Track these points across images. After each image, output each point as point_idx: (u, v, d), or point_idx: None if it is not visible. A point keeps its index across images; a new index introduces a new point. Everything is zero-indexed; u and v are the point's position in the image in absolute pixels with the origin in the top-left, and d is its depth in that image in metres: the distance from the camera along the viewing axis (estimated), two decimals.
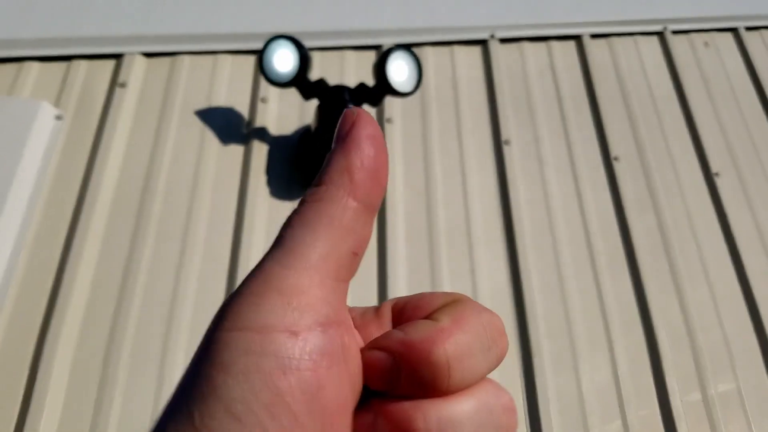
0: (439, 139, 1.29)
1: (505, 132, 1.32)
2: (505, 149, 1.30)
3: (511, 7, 1.59)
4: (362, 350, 0.20)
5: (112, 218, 1.07)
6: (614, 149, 1.37)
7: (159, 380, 0.94)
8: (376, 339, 0.20)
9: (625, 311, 1.16)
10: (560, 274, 1.16)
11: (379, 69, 1.08)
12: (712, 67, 1.70)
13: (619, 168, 1.34)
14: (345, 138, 0.21)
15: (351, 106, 1.10)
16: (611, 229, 1.25)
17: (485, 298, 1.10)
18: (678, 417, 1.06)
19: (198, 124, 1.19)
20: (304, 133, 1.18)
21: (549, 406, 1.03)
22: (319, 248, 0.19)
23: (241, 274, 1.04)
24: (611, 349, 1.10)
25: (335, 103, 1.09)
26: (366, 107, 1.14)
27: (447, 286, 1.10)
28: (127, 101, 1.18)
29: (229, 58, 1.30)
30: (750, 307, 1.21)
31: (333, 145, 0.22)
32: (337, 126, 0.22)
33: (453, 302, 0.21)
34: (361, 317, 0.23)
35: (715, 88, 1.63)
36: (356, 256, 0.21)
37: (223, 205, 1.12)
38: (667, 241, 1.26)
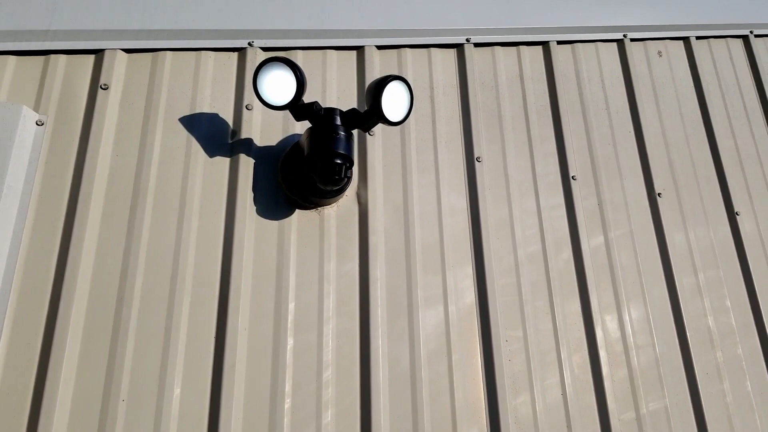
0: (417, 153, 1.34)
1: (477, 148, 1.39)
2: (477, 166, 1.37)
3: (485, 11, 1.62)
4: None
5: (103, 233, 1.07)
6: (572, 168, 1.47)
7: (157, 411, 1.00)
8: None
9: (573, 331, 1.30)
10: (521, 295, 1.28)
11: (374, 98, 1.09)
12: (662, 78, 1.81)
13: (575, 187, 1.45)
14: None
15: (341, 131, 1.13)
16: (566, 249, 1.38)
17: (454, 321, 1.21)
18: None
19: (183, 133, 1.18)
20: (290, 149, 1.19)
21: (509, 429, 1.17)
22: None
23: (233, 298, 1.08)
24: (561, 370, 1.25)
25: (326, 126, 1.11)
26: (356, 131, 1.17)
27: (422, 306, 1.19)
28: (111, 106, 1.14)
29: (211, 55, 1.28)
30: (678, 326, 1.39)
31: None
32: None
33: None
34: None
35: (663, 102, 1.75)
36: None
37: (211, 226, 1.14)
38: (612, 261, 1.40)
